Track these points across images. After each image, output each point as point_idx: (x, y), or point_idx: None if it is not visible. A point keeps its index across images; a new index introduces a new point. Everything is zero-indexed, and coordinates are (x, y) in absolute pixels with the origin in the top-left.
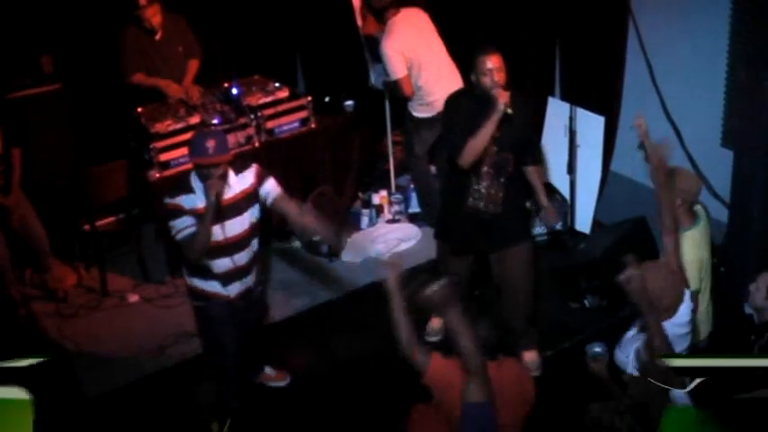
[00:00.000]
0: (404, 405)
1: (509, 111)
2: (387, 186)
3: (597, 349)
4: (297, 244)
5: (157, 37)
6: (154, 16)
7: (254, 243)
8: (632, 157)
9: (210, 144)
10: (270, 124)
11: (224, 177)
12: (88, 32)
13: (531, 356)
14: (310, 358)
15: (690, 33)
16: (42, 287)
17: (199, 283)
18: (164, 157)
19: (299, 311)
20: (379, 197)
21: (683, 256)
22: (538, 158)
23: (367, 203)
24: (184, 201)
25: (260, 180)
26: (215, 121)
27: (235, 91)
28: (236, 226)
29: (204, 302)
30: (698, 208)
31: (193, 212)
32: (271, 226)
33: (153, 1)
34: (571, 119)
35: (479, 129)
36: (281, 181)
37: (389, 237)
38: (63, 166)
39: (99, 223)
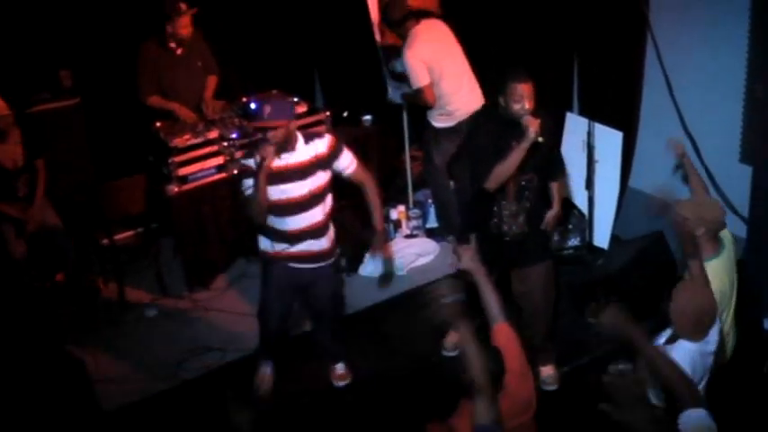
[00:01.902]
0: (421, 420)
1: (540, 139)
2: (405, 201)
3: (621, 366)
4: None
5: (178, 52)
6: (185, 27)
7: (321, 206)
8: (650, 172)
9: (266, 109)
10: None
11: (282, 144)
12: (107, 47)
13: (548, 371)
14: (327, 374)
15: (708, 48)
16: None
17: (265, 244)
18: (182, 171)
19: None
20: (397, 212)
21: None
22: (561, 174)
23: (385, 218)
24: (252, 162)
25: (332, 152)
26: (233, 136)
27: (253, 105)
28: (296, 190)
29: (268, 263)
30: (723, 234)
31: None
32: None
33: (190, 8)
34: (589, 134)
35: (507, 155)
36: None
37: (407, 252)
38: (82, 181)
39: (117, 237)
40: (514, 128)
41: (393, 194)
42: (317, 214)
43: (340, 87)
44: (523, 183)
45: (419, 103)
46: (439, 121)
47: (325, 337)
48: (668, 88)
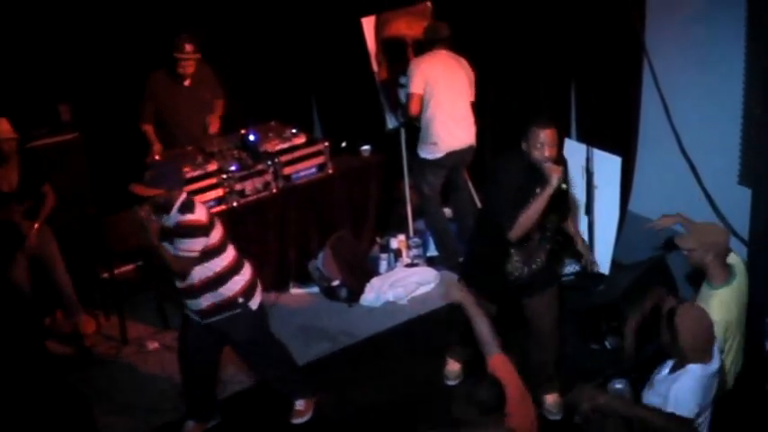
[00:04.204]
0: None
1: (564, 186)
2: (405, 230)
3: (618, 386)
4: (315, 289)
5: (185, 83)
6: (189, 66)
7: (192, 272)
8: (650, 196)
9: (147, 175)
10: (287, 170)
11: (161, 207)
12: (106, 81)
13: (552, 399)
14: (330, 404)
15: (705, 72)
16: (71, 333)
17: None
18: None
19: (319, 357)
20: (397, 241)
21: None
22: (572, 209)
23: (385, 248)
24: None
25: (178, 230)
26: (232, 168)
27: (252, 137)
28: (171, 251)
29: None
30: (735, 262)
31: None
32: (290, 271)
33: (195, 52)
34: (588, 160)
35: (531, 204)
36: (299, 226)
37: (408, 281)
38: (82, 214)
39: (118, 271)
40: (536, 173)
41: (393, 224)
42: (189, 278)
43: (338, 117)
44: (545, 225)
45: (405, 113)
46: (424, 151)
47: (270, 381)
48: (665, 111)
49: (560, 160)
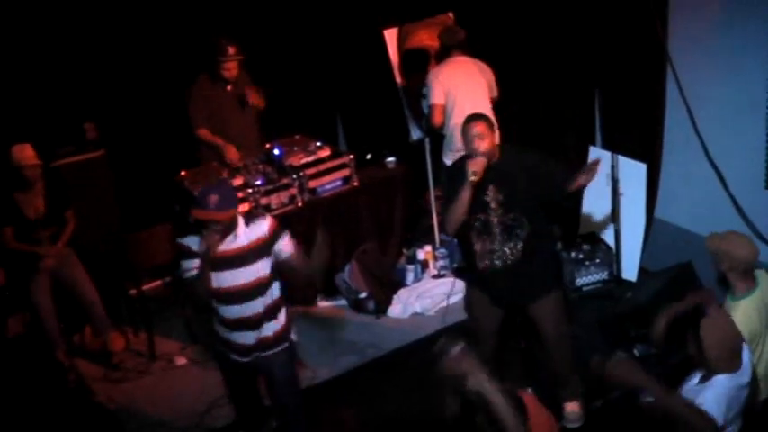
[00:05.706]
0: None
1: (472, 178)
2: (431, 241)
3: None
4: (343, 302)
5: (228, 89)
6: (233, 69)
7: (263, 298)
8: (676, 202)
9: (213, 198)
10: (312, 184)
11: (226, 230)
12: (130, 98)
13: (572, 407)
14: (359, 417)
15: (729, 78)
16: (100, 350)
17: (216, 327)
18: None
19: (347, 370)
20: (423, 253)
21: None
22: (561, 179)
23: (412, 259)
24: (191, 242)
25: (274, 233)
26: (258, 182)
27: (276, 151)
28: (240, 276)
29: (220, 347)
30: (759, 273)
31: (198, 255)
32: (316, 285)
33: (238, 54)
34: (613, 167)
35: (455, 198)
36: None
37: (435, 292)
38: (108, 232)
39: (145, 287)
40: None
41: (419, 235)
42: (256, 306)
43: (363, 130)
44: (509, 222)
45: (429, 124)
46: (448, 158)
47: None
48: (690, 118)
49: (506, 150)
